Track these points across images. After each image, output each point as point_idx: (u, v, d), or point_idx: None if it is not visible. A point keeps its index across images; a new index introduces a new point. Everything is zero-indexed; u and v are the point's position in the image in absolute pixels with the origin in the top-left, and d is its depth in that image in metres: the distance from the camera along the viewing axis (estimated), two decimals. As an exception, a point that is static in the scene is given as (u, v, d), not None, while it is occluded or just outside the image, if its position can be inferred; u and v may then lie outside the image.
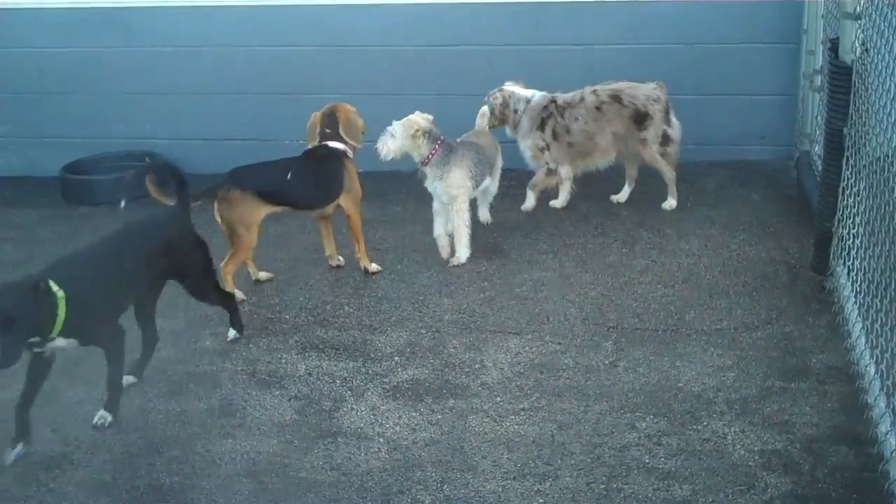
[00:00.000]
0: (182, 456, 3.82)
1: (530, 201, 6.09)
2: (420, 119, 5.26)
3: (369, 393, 4.19)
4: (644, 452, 3.65)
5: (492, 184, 5.75)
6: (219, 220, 5.02)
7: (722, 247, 5.41)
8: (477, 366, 4.35)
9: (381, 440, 3.85)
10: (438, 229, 5.48)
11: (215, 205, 4.98)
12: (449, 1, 6.65)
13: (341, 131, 5.24)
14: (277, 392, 4.25)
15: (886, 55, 3.85)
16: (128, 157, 7.12)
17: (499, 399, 4.08)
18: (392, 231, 5.94)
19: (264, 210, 5.06)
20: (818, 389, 3.98)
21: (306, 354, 4.55)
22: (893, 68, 3.71)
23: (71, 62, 7.18)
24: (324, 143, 5.26)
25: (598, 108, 5.86)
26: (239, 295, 5.10)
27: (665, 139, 5.90)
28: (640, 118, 5.86)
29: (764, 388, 4.02)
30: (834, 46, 4.59)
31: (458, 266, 5.35)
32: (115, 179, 6.83)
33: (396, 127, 5.25)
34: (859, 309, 4.17)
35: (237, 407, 4.15)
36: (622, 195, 6.19)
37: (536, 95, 5.97)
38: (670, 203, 6.04)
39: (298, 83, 6.84)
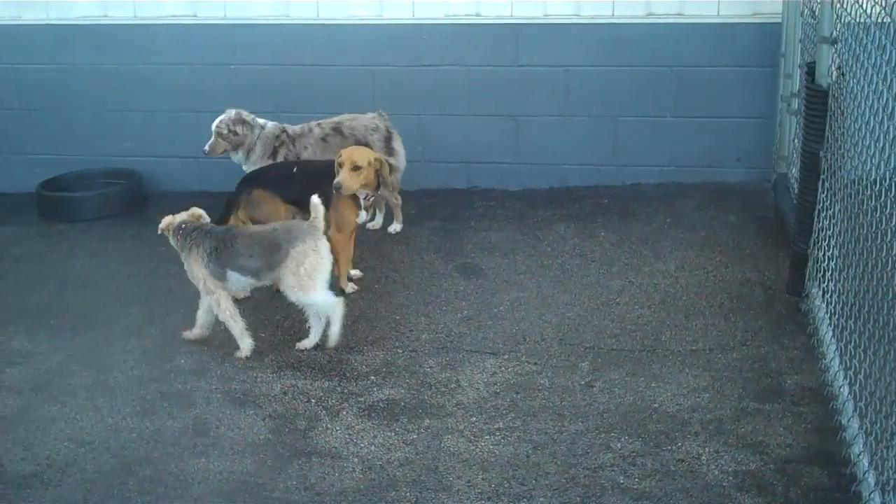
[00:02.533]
0: (154, 476, 3.79)
1: None
2: (169, 219, 4.76)
3: (344, 412, 4.18)
4: (618, 473, 3.65)
5: (308, 299, 4.60)
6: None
7: (698, 268, 5.43)
8: (453, 385, 4.34)
9: (356, 460, 3.83)
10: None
11: (238, 213, 5.13)
12: (429, 21, 6.67)
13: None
14: (252, 411, 4.22)
15: (861, 79, 3.88)
16: (105, 175, 7.11)
17: (474, 419, 4.07)
18: (370, 250, 5.93)
19: (282, 207, 5.20)
20: (792, 410, 4.00)
21: (282, 373, 4.53)
22: (868, 92, 3.75)
23: (50, 79, 7.16)
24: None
25: (323, 140, 5.89)
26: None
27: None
28: None
29: (738, 409, 4.03)
30: (810, 70, 4.63)
31: (243, 358, 4.69)
32: (91, 196, 6.83)
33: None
34: (833, 331, 4.20)
35: (211, 426, 4.12)
36: (376, 223, 6.27)
37: (269, 124, 5.90)
38: (395, 227, 6.19)
39: (279, 102, 6.83)
